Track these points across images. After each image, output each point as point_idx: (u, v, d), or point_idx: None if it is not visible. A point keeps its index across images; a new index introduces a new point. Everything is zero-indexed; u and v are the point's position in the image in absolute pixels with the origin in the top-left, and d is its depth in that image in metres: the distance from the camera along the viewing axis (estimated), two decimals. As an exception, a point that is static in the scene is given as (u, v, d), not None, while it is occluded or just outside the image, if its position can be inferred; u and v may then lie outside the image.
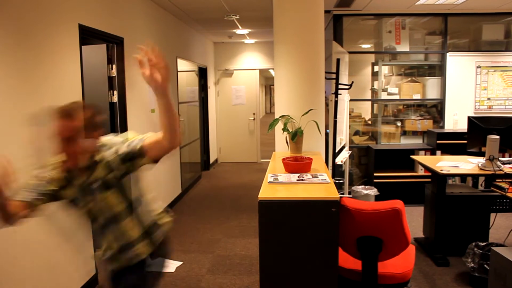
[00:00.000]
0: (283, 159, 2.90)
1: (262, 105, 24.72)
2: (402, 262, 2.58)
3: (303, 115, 3.61)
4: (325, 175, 2.65)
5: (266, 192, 2.33)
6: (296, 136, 3.39)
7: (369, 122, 6.63)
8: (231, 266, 3.95)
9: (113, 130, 4.15)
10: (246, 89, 9.58)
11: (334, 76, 4.28)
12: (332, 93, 4.39)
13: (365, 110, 6.82)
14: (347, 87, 4.72)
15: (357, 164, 6.47)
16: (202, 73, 8.45)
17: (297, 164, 2.79)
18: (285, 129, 3.45)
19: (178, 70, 6.36)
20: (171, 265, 3.96)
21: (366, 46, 6.70)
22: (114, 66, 4.08)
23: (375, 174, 5.82)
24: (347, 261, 2.59)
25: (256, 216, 5.42)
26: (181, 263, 4.03)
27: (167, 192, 5.76)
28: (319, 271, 2.27)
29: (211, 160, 9.07)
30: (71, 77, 3.23)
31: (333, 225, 2.24)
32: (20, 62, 2.62)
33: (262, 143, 10.05)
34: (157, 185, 5.32)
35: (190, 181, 7.12)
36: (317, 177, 2.61)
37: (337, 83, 4.22)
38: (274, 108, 4.21)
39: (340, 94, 4.47)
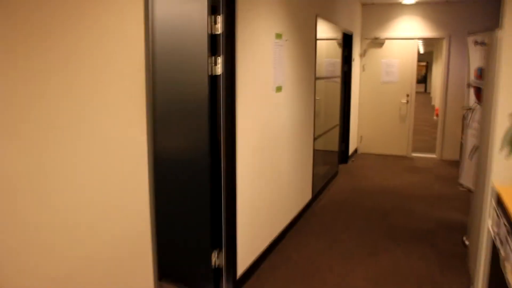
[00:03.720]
0: None
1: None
2: None
3: None
4: None
5: None
6: None
7: None
8: None
9: (213, 115, 2.74)
10: (399, 63, 7.55)
11: None
12: None
13: None
14: None
15: None
16: (347, 42, 6.68)
17: None
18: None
19: (318, 36, 4.73)
20: None
21: None
22: (220, 18, 2.63)
23: None
24: None
25: (416, 249, 3.55)
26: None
27: (294, 201, 4.25)
28: None
29: (350, 151, 7.35)
30: (128, 37, 1.86)
31: None
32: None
33: (415, 132, 7.98)
34: (281, 192, 3.85)
35: (324, 180, 5.54)
36: None
37: None
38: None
39: None
